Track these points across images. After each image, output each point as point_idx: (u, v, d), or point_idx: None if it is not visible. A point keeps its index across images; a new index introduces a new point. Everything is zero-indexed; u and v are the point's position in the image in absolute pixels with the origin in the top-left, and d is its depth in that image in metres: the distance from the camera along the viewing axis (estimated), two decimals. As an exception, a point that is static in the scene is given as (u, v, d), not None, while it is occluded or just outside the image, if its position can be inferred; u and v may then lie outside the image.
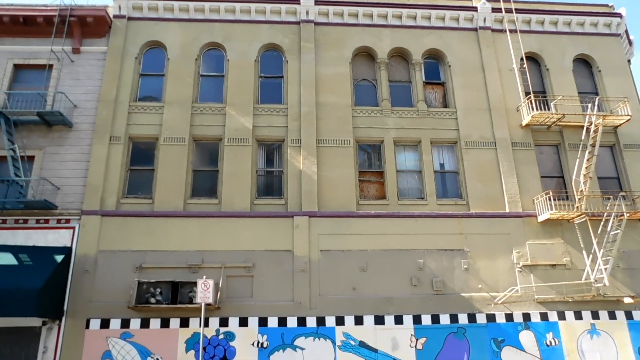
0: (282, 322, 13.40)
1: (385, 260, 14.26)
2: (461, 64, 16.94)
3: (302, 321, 13.44)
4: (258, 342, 13.17)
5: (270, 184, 15.42)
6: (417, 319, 13.68)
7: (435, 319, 13.73)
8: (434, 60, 17.38)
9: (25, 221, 13.95)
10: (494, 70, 16.82)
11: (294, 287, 13.79)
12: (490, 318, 13.87)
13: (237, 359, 13.01)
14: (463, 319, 13.78)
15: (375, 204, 15.07)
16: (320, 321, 13.47)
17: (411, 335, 13.51)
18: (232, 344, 13.14)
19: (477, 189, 15.34)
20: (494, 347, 13.57)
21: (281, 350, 13.13)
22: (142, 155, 15.40)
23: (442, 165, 15.95)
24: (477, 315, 13.86)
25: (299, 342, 13.24)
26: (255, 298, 13.66)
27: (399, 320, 13.63)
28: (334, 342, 13.28)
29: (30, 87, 15.63)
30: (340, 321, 13.49)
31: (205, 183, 15.20)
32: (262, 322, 13.38)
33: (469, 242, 14.65)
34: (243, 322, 13.35)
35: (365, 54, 17.17)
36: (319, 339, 13.29)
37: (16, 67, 15.93)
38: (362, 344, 13.33)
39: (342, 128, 15.71)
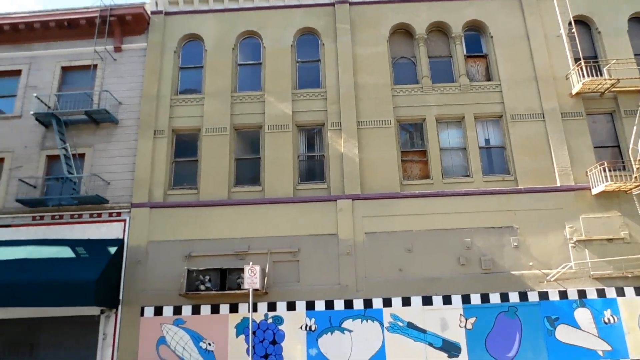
0: (329, 305, 13.45)
1: (431, 240, 13.99)
2: (504, 34, 16.19)
3: (348, 304, 13.44)
4: (306, 326, 13.30)
5: (312, 169, 15.41)
6: (466, 299, 13.38)
7: (485, 298, 13.38)
8: (475, 32, 16.70)
9: (80, 216, 14.64)
10: (540, 38, 15.97)
11: (340, 270, 13.78)
12: (543, 296, 13.35)
13: (286, 342, 13.21)
14: (514, 297, 13.35)
15: (419, 184, 14.76)
16: (367, 303, 13.42)
17: (460, 315, 13.24)
18: (280, 327, 13.34)
19: (526, 163, 14.71)
20: (548, 326, 13.08)
21: (329, 333, 13.20)
22: (185, 147, 15.75)
23: (487, 141, 15.40)
24: (529, 293, 13.38)
25: (347, 324, 13.26)
26: (301, 282, 13.77)
27: (447, 300, 13.38)
28: (381, 324, 13.22)
29: (78, 88, 16.28)
30: (387, 303, 13.39)
31: (248, 171, 15.38)
32: (310, 305, 13.48)
33: (519, 218, 14.11)
34: (291, 307, 13.50)
35: (403, 31, 16.72)
36: (367, 321, 13.26)
37: (64, 69, 16.61)
38: (410, 325, 13.19)
39: (382, 108, 15.43)
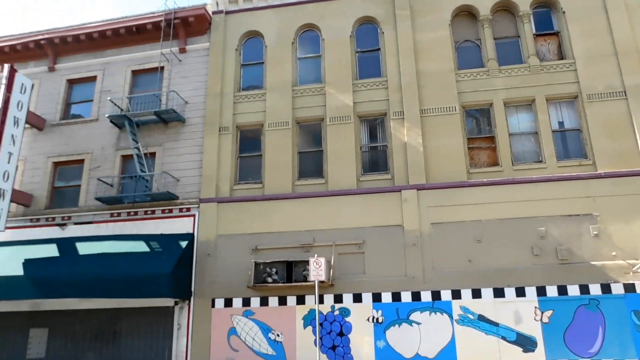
0: (396, 297, 13.23)
1: (502, 230, 13.36)
2: (578, 7, 15.11)
3: (416, 296, 13.15)
4: (373, 318, 13.17)
5: (375, 160, 15.20)
6: (541, 291, 12.66)
7: (562, 290, 12.59)
8: (545, 9, 15.71)
9: (153, 212, 15.34)
10: (620, 8, 14.75)
11: (406, 261, 13.51)
12: (629, 288, 12.36)
13: (353, 334, 13.15)
14: (595, 289, 12.46)
15: (488, 172, 14.15)
16: (436, 295, 13.06)
17: (535, 307, 12.55)
18: (347, 319, 13.30)
19: (605, 146, 13.67)
20: (636, 320, 12.10)
21: (397, 325, 12.99)
22: (249, 142, 16.05)
23: (561, 124, 14.47)
24: (612, 285, 12.43)
25: (415, 316, 12.99)
26: (367, 274, 13.64)
27: (520, 292, 12.73)
28: (451, 316, 12.82)
29: (147, 90, 17.05)
30: (456, 295, 12.96)
31: (310, 164, 15.43)
32: (376, 297, 13.33)
33: (598, 205, 13.15)
34: (357, 298, 13.43)
35: (466, 13, 16.05)
36: (435, 314, 12.91)
37: (134, 72, 17.45)
38: (481, 318, 12.69)
39: (446, 95, 14.92)
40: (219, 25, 17.12)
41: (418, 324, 12.90)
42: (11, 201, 15.44)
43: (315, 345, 13.12)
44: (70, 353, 14.81)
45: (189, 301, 14.22)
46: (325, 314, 13.46)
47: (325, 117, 15.49)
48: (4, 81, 15.52)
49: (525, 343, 12.37)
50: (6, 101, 15.37)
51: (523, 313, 12.56)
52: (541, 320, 12.46)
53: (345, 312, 13.39)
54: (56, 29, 17.91)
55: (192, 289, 14.29)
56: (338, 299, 13.54)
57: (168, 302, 14.14)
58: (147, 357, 14.15)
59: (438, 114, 14.79)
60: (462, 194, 13.87)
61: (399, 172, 14.46)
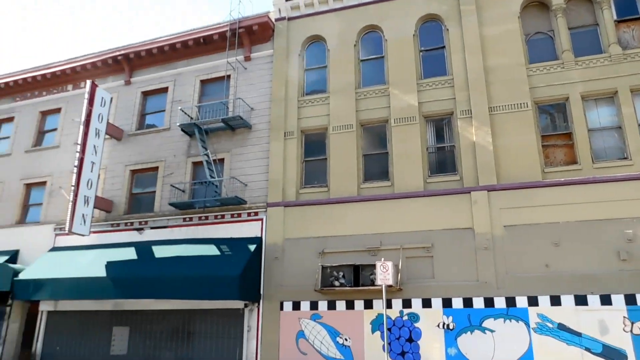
0: (468, 303, 12.74)
1: (582, 232, 12.49)
2: (664, -10, 13.88)
3: (489, 302, 12.59)
4: (443, 324, 12.76)
5: (443, 161, 14.76)
6: (630, 299, 11.66)
7: (656, 298, 11.57)
8: (626, -7, 14.57)
9: (223, 216, 15.79)
10: None
11: (478, 266, 12.98)
12: None
13: (423, 340, 12.81)
14: (694, 297, 11.33)
15: (565, 170, 13.30)
16: (510, 302, 12.43)
17: (624, 317, 11.57)
18: (416, 325, 12.98)
19: (702, 139, 12.42)
20: None
21: (469, 332, 12.50)
22: (314, 146, 16.13)
23: (648, 117, 13.33)
24: None
25: (488, 323, 12.43)
26: (436, 279, 13.25)
27: (606, 300, 11.81)
28: (527, 324, 12.13)
29: (214, 98, 17.62)
30: (533, 302, 12.26)
31: (376, 166, 15.25)
32: (446, 303, 12.91)
33: (696, 204, 11.96)
34: (426, 304, 13.07)
35: (537, 4, 15.22)
36: (510, 321, 12.28)
37: (202, 82, 18.11)
38: (561, 327, 11.91)
39: (517, 90, 14.21)
40: (281, 32, 17.37)
41: (492, 331, 12.34)
42: (94, 207, 16.50)
43: (384, 350, 12.88)
44: (149, 351, 15.57)
45: (258, 304, 14.49)
46: (393, 319, 13.21)
47: (390, 118, 15.25)
48: (86, 96, 16.62)
49: (614, 356, 11.43)
50: (88, 114, 16.45)
51: (610, 323, 11.64)
52: (631, 331, 11.48)
53: (414, 317, 13.07)
54: (131, 45, 18.96)
55: (261, 292, 14.55)
56: (407, 303, 13.25)
57: (238, 304, 14.49)
58: (219, 358, 14.58)
59: (508, 111, 14.11)
60: (537, 195, 13.13)
61: (468, 172, 13.94)
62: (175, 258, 14.93)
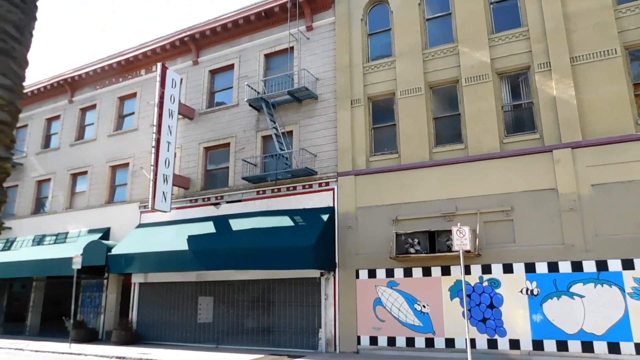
0: (553, 267, 12.11)
1: (684, 188, 11.37)
2: None
3: (577, 266, 11.89)
4: (527, 289, 12.25)
5: (520, 119, 13.92)
6: None
7: None
8: None
9: (294, 188, 15.98)
10: None
11: (563, 228, 12.24)
12: None
13: (505, 306, 12.39)
14: None
15: (662, 121, 12.09)
16: (601, 265, 11.65)
17: None
18: (497, 291, 12.56)
19: None
20: None
21: (555, 298, 11.91)
22: (382, 112, 15.78)
23: None
24: None
25: (576, 288, 11.76)
26: (518, 243, 12.68)
27: None
28: (622, 289, 11.33)
29: (279, 71, 17.65)
30: (627, 265, 11.41)
31: (447, 129, 14.69)
32: (529, 268, 12.35)
33: None
34: (507, 269, 12.59)
35: (624, -63, 13.67)
36: (602, 286, 11.53)
37: (266, 56, 18.17)
38: (662, 291, 11.04)
39: (603, 36, 12.96)
40: (343, -3, 16.92)
41: (581, 296, 11.67)
42: (173, 185, 17.30)
43: (464, 317, 12.63)
44: (232, 319, 16.34)
45: (334, 272, 14.66)
46: (473, 285, 12.87)
47: (461, 78, 14.53)
48: (157, 78, 17.25)
49: None
50: (161, 96, 17.09)
51: None
52: None
53: (495, 283, 12.65)
54: (196, 25, 19.34)
55: (336, 261, 14.69)
56: (486, 269, 12.84)
57: (314, 273, 14.75)
58: (298, 325, 15.01)
59: (594, 60, 12.95)
60: (630, 149, 12.05)
61: (549, 130, 13.05)
62: (251, 230, 15.39)
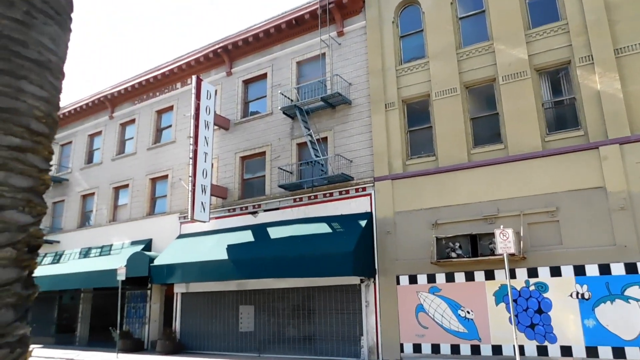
0: (604, 269, 11.54)
1: None
2: None
3: (631, 268, 11.28)
4: (577, 293, 11.71)
5: (562, 115, 13.42)
6: None
7: None
8: None
9: (331, 194, 15.90)
10: None
11: (613, 228, 11.67)
12: None
13: (554, 311, 11.89)
14: None
15: None
16: (658, 266, 11.03)
17: None
18: (545, 295, 12.07)
19: None
20: None
21: (608, 302, 11.34)
22: (417, 115, 15.54)
23: None
24: None
25: (632, 292, 11.15)
26: (565, 245, 12.17)
27: None
28: (682, 291, 10.70)
29: (311, 78, 17.67)
30: (687, 265, 10.77)
31: (486, 129, 14.32)
32: (579, 270, 11.82)
33: None
34: (555, 272, 12.09)
35: None
36: (660, 288, 10.91)
37: (298, 64, 18.23)
38: None
39: (649, 26, 12.37)
40: (372, 1, 16.81)
41: (637, 300, 11.06)
42: (211, 195, 17.53)
43: (511, 323, 12.20)
44: (273, 327, 16.34)
45: (374, 279, 14.45)
46: (519, 289, 12.42)
47: (497, 76, 14.15)
48: (193, 90, 17.56)
49: None
50: (197, 108, 17.38)
51: None
52: None
53: (543, 287, 12.16)
54: (228, 36, 19.62)
55: (376, 267, 14.48)
56: (532, 273, 12.37)
57: (354, 280, 14.59)
58: (340, 333, 14.86)
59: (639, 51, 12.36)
60: (684, 143, 11.41)
61: (594, 126, 12.51)
62: (289, 238, 15.38)
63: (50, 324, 23.81)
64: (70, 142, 26.03)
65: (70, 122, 26.26)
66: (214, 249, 16.77)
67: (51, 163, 1.82)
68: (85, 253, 22.25)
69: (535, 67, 13.74)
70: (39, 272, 21.73)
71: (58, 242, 24.25)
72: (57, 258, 23.23)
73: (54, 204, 25.62)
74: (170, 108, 21.96)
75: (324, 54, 17.46)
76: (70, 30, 1.86)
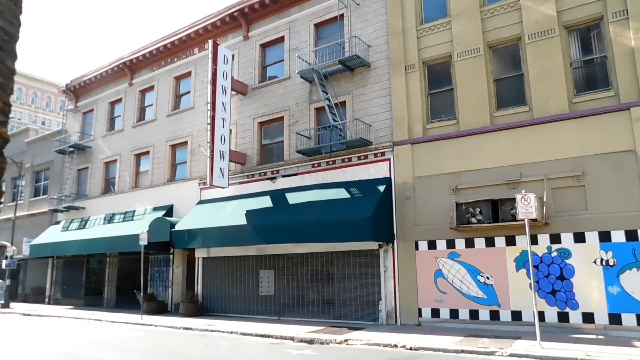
0: (632, 236, 11.16)
1: None
2: None
3: (659, 233, 10.88)
4: (602, 260, 11.39)
5: (592, 75, 12.77)
6: None
7: None
8: None
9: (349, 159, 15.69)
10: None
11: (643, 193, 11.21)
12: None
13: (577, 277, 11.62)
14: None
15: None
16: (688, 232, 10.60)
17: None
18: (568, 261, 11.78)
19: None
20: None
21: (634, 269, 11.00)
22: (438, 77, 15.03)
23: None
24: None
25: (659, 258, 10.79)
26: (590, 210, 11.78)
27: None
28: None
29: (330, 41, 17.19)
30: None
31: (510, 91, 13.77)
32: (604, 236, 11.46)
33: None
34: (579, 238, 11.75)
35: None
36: (689, 254, 10.52)
37: (316, 26, 17.73)
38: None
39: (689, -24, 11.52)
40: (393, -43, 16.08)
41: (664, 266, 10.72)
42: (230, 161, 17.51)
43: (531, 289, 12.00)
44: (293, 291, 16.51)
45: (393, 244, 14.35)
46: (540, 255, 12.16)
47: (523, 35, 13.49)
48: (209, 55, 17.31)
49: None
50: (213, 73, 17.17)
51: None
52: None
53: (565, 253, 11.87)
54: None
55: (395, 232, 14.36)
56: (555, 239, 12.06)
57: (372, 245, 14.52)
58: (359, 297, 14.91)
59: (679, 4, 11.55)
60: None
61: (626, 86, 11.88)
62: (308, 203, 15.32)
63: (79, 286, 24.65)
64: (92, 110, 26.23)
65: (92, 89, 26.41)
66: (234, 215, 16.86)
67: (12, 115, 1.68)
68: (110, 219, 22.71)
69: (564, 24, 13.02)
70: (67, 237, 22.43)
71: (84, 208, 24.80)
72: (83, 224, 23.81)
73: (78, 171, 26.08)
74: (189, 74, 21.80)
75: (342, 16, 16.91)
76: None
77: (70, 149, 25.56)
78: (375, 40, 16.00)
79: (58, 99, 69.69)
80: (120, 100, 24.85)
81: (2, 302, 23.54)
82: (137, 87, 23.97)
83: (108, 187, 24.51)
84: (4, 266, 23.95)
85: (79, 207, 24.82)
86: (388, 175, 14.84)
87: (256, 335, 13.15)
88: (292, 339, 12.28)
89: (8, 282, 24.18)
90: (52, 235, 24.19)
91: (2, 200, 1.64)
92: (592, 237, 11.60)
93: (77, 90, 27.10)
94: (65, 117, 28.00)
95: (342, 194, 14.95)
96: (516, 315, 12.27)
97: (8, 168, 29.60)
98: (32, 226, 27.44)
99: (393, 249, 14.33)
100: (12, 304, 24.39)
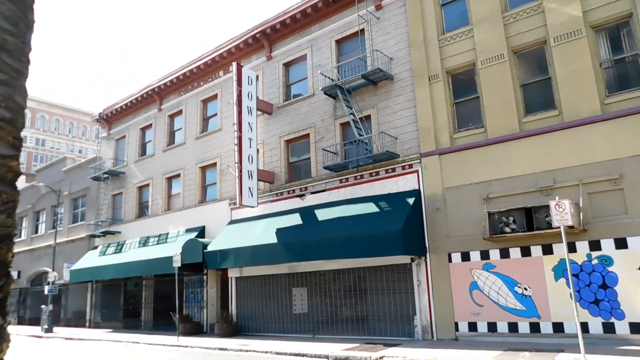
0: (677, 239, 10.64)
1: None
2: None
3: None
4: (647, 266, 10.88)
5: (624, 74, 12.38)
6: None
7: None
8: None
9: (377, 173, 15.59)
10: None
11: (686, 194, 10.71)
12: None
13: (621, 286, 11.12)
14: None
15: None
16: None
17: None
18: (610, 269, 11.30)
19: None
20: None
21: (682, 274, 10.47)
22: (463, 85, 14.85)
23: None
24: None
25: None
26: (631, 214, 11.31)
27: None
28: None
29: (351, 56, 17.25)
30: None
31: (538, 96, 13.47)
32: (647, 241, 10.96)
33: None
34: (620, 244, 11.28)
35: None
36: None
37: (337, 42, 17.85)
38: None
39: None
40: (411, -31, 16.10)
41: None
42: (258, 180, 17.66)
43: (571, 298, 11.54)
44: (327, 309, 16.39)
45: (425, 257, 14.10)
46: (580, 263, 11.71)
47: (548, 38, 13.22)
48: (234, 77, 17.63)
49: None
50: (239, 94, 17.45)
51: None
52: None
53: (607, 260, 11.39)
54: (266, 20, 19.50)
55: (427, 245, 14.12)
56: (594, 246, 11.61)
57: (404, 259, 14.31)
58: (393, 313, 14.67)
59: None
60: None
61: (660, 83, 11.45)
62: (337, 219, 15.26)
63: (117, 309, 25.14)
64: (124, 137, 27.02)
65: (123, 117, 27.23)
66: (264, 233, 16.94)
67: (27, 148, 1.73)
68: (144, 242, 23.16)
69: (591, 24, 12.71)
70: (105, 261, 22.97)
71: (119, 232, 25.40)
72: (119, 248, 24.36)
73: (113, 196, 26.79)
74: (215, 97, 22.23)
75: (362, 30, 16.98)
76: (32, 10, 1.75)
77: (105, 175, 26.33)
78: (397, 53, 15.97)
79: (93, 128, 72.26)
80: (150, 125, 25.52)
81: (46, 326, 24.21)
82: (165, 112, 24.59)
83: (142, 210, 25.06)
84: (46, 292, 24.69)
85: (114, 231, 25.44)
86: (417, 187, 14.66)
87: (290, 354, 13.06)
88: (327, 357, 12.14)
89: (51, 307, 24.87)
90: (90, 260, 24.83)
91: (16, 232, 1.67)
92: (634, 242, 11.12)
93: (109, 118, 28.00)
94: (99, 145, 28.92)
95: (371, 208, 14.84)
96: (558, 327, 11.81)
97: (48, 196, 30.88)
98: (72, 252, 28.26)
99: (426, 262, 14.08)
100: (55, 329, 25.05)
